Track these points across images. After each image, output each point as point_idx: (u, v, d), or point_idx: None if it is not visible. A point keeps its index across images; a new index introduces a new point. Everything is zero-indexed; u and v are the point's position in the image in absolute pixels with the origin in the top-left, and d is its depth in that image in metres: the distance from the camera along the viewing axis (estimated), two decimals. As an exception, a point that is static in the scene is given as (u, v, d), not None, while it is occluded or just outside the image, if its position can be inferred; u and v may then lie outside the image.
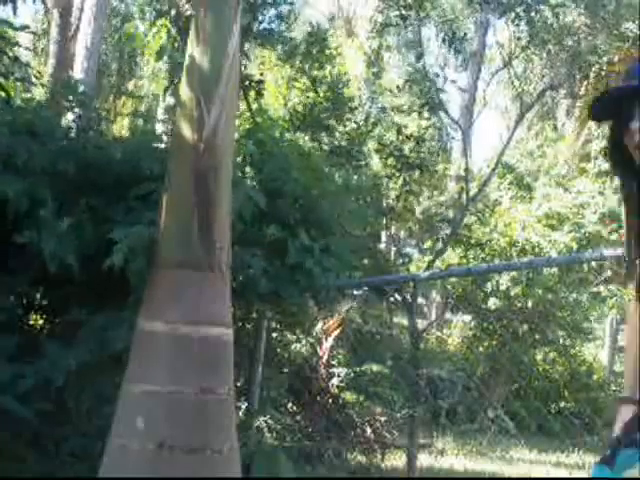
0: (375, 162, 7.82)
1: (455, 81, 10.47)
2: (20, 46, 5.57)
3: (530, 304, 8.76)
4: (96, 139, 4.50)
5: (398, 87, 7.99)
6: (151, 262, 3.52)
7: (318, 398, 6.83)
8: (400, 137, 7.20)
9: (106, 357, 3.89)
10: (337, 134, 7.10)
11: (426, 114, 7.44)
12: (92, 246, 3.81)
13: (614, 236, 10.26)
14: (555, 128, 16.79)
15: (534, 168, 14.72)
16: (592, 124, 13.61)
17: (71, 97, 4.64)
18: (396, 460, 6.67)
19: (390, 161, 7.26)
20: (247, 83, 6.74)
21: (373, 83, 17.92)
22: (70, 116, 4.75)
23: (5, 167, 3.85)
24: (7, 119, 4.30)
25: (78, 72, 10.64)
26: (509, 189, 13.38)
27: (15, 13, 5.13)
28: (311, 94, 7.30)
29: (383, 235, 10.49)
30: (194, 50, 3.54)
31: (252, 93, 6.86)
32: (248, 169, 4.87)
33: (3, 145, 3.88)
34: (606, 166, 12.42)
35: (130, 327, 3.62)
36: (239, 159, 4.86)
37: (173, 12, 7.39)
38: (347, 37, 14.80)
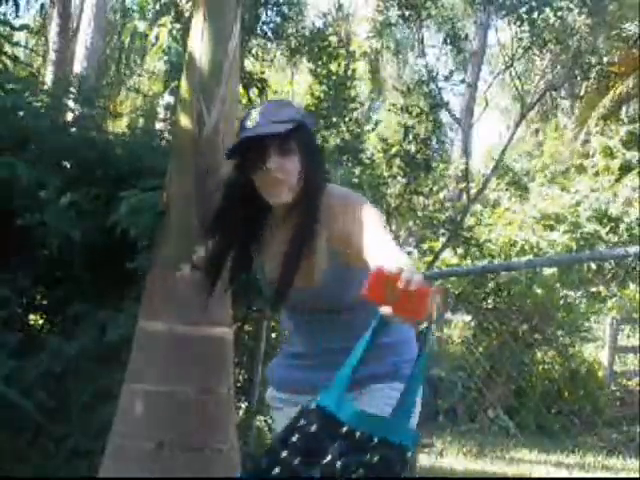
0: (378, 160, 7.82)
1: (466, 82, 10.45)
2: (21, 46, 5.58)
3: (530, 304, 8.76)
4: (99, 135, 4.53)
5: (409, 88, 7.96)
6: (157, 224, 3.53)
7: (318, 398, 6.81)
8: (407, 138, 7.18)
9: (106, 352, 3.90)
10: (342, 131, 7.08)
11: (432, 115, 7.42)
12: (94, 235, 3.84)
13: (611, 236, 10.27)
14: (556, 128, 16.79)
15: (531, 167, 14.73)
16: (591, 124, 13.60)
17: (76, 94, 4.66)
18: (396, 460, 6.64)
19: (397, 161, 7.25)
20: (249, 81, 6.74)
21: (378, 85, 17.93)
22: (71, 114, 4.77)
23: (22, 151, 3.94)
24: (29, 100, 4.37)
25: (78, 72, 10.64)
26: (507, 190, 13.41)
27: (18, 12, 5.14)
28: (317, 87, 7.29)
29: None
30: (194, 49, 3.54)
31: (255, 91, 6.86)
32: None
33: (18, 129, 3.95)
34: (603, 164, 12.44)
35: (130, 319, 3.63)
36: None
37: (173, 12, 7.39)
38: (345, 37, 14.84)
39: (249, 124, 2.04)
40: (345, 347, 2.00)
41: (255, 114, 2.04)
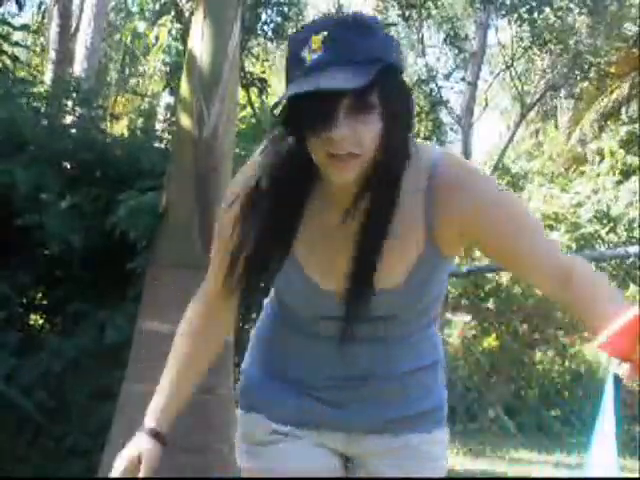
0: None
1: (466, 80, 10.45)
2: (21, 46, 5.58)
3: (530, 304, 8.76)
4: (98, 136, 4.55)
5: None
6: (156, 226, 3.53)
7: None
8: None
9: (105, 351, 3.91)
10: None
11: (432, 114, 7.43)
12: (93, 236, 3.85)
13: (612, 236, 10.28)
14: (556, 127, 16.80)
15: (531, 168, 14.74)
16: (586, 124, 13.61)
17: (74, 95, 4.67)
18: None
19: None
20: (249, 81, 6.75)
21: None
22: (71, 115, 4.78)
23: (20, 152, 3.95)
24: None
25: (77, 72, 10.65)
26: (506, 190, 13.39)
27: (21, 10, 5.16)
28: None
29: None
30: (194, 50, 3.54)
31: (255, 91, 6.87)
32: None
33: (17, 131, 3.98)
34: (602, 166, 12.45)
35: (129, 319, 3.63)
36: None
37: (173, 12, 7.39)
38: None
39: (307, 58, 1.25)
40: (395, 374, 1.50)
41: (318, 41, 1.25)
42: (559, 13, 7.56)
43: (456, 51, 8.63)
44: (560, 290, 1.38)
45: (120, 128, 7.41)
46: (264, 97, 6.96)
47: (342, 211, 1.37)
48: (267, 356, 1.61)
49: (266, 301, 1.64)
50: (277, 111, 1.35)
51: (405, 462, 1.52)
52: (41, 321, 4.63)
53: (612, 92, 12.63)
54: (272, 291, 1.59)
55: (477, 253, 8.94)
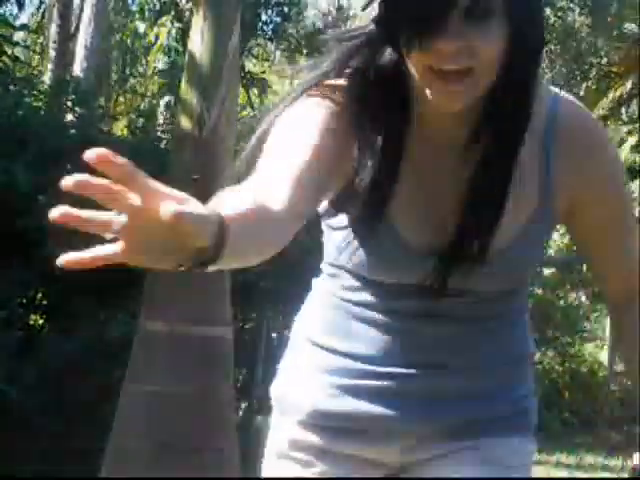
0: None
1: None
2: (21, 46, 5.59)
3: (530, 304, 8.77)
4: (98, 136, 4.55)
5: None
6: None
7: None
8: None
9: (106, 350, 3.91)
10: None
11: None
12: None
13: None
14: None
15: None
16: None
17: (73, 95, 4.68)
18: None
19: None
20: (249, 81, 6.76)
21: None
22: (71, 114, 4.79)
23: (20, 150, 3.98)
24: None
25: (77, 72, 10.66)
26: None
27: (21, 10, 5.19)
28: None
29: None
30: (194, 50, 3.54)
31: (255, 90, 6.89)
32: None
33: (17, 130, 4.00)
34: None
35: (130, 318, 3.64)
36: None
37: (173, 12, 7.40)
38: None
39: None
40: (472, 365, 1.20)
41: None
42: (559, 13, 7.57)
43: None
44: (619, 308, 1.25)
45: (120, 128, 7.41)
46: (264, 97, 6.97)
47: (447, 154, 1.10)
48: (319, 345, 1.26)
49: (316, 282, 1.30)
50: (368, 12, 1.03)
51: (469, 467, 1.16)
52: (41, 321, 4.63)
53: (617, 89, 12.63)
54: (328, 267, 1.25)
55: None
